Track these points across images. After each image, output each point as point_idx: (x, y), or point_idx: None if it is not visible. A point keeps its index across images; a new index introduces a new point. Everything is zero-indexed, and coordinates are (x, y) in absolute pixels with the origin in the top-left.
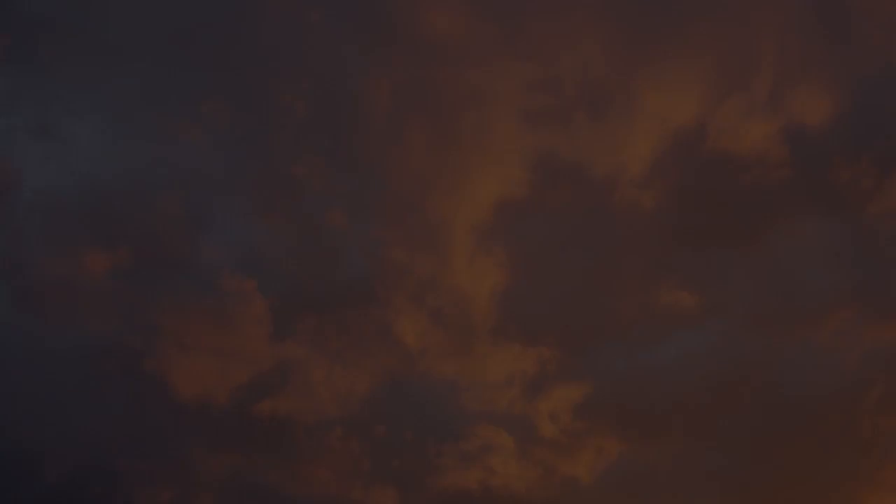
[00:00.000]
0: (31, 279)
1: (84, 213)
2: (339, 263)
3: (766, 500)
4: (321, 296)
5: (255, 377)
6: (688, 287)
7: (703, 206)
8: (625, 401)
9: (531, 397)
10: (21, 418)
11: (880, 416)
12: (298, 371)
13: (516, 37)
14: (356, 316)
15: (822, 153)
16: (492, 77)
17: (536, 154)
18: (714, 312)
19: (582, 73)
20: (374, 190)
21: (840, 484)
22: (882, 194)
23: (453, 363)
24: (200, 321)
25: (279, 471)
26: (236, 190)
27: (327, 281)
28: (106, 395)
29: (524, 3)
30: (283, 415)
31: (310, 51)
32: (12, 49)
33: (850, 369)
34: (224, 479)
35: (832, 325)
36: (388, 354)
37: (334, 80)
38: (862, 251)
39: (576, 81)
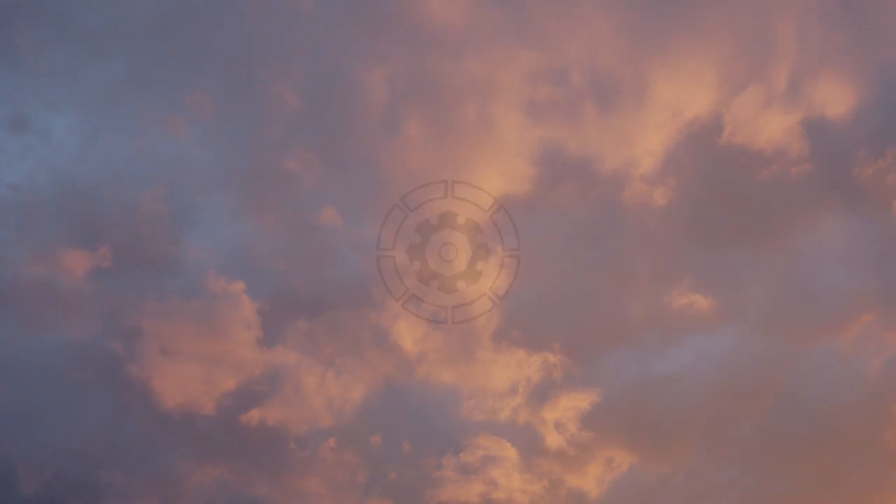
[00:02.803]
0: (5, 280)
1: (62, 211)
2: (333, 264)
3: None
4: (313, 298)
5: (243, 384)
6: (702, 289)
7: (718, 203)
8: (635, 410)
9: (536, 406)
10: None
11: None
12: (289, 378)
13: (520, 24)
14: (350, 319)
15: (843, 147)
16: (494, 66)
17: (542, 148)
18: (729, 316)
19: (590, 62)
20: (369, 186)
21: (863, 497)
22: None
23: (453, 370)
24: (185, 325)
25: (269, 483)
26: (223, 186)
27: (320, 282)
28: (85, 402)
29: None
30: (273, 424)
31: (301, 39)
32: None
33: (873, 376)
34: (211, 492)
35: (854, 330)
36: (385, 360)
37: (327, 70)
38: (886, 251)
39: (583, 71)
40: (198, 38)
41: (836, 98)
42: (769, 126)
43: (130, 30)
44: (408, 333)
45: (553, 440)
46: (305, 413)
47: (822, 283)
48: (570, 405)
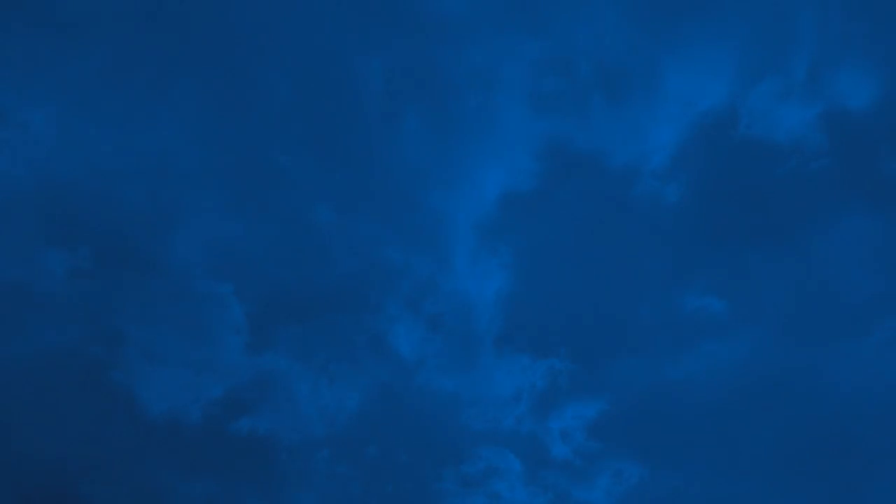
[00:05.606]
0: None
1: (40, 208)
2: (327, 264)
3: None
4: (306, 301)
5: (231, 392)
6: (716, 291)
7: (733, 199)
8: (646, 418)
9: (541, 415)
10: None
11: None
12: (280, 385)
13: (524, 11)
14: (345, 323)
15: (866, 141)
16: (497, 56)
17: (547, 142)
18: (745, 320)
19: (598, 51)
20: (365, 183)
21: None
22: None
23: (454, 376)
24: (170, 329)
25: (259, 496)
26: (211, 182)
27: (313, 284)
28: (65, 411)
29: None
30: (264, 434)
31: (293, 27)
32: None
33: None
34: None
35: (878, 334)
36: (381, 366)
37: (321, 60)
38: None
39: (591, 61)
40: (184, 27)
41: (858, 89)
42: (788, 119)
43: (113, 17)
44: (406, 338)
45: (559, 451)
46: (297, 422)
47: (843, 284)
48: (577, 414)
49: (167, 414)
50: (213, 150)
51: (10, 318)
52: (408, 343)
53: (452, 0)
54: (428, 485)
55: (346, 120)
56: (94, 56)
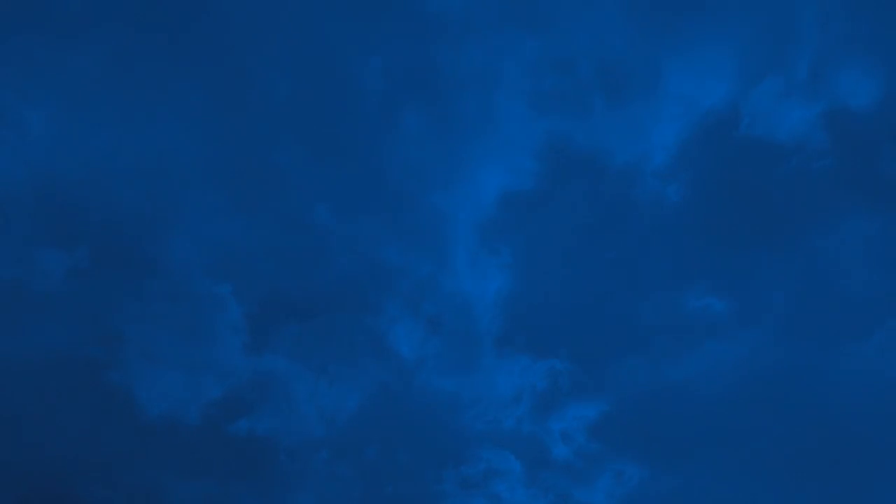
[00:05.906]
0: None
1: (37, 208)
2: (326, 265)
3: None
4: (305, 301)
5: (230, 393)
6: (718, 292)
7: (735, 199)
8: (647, 420)
9: (541, 416)
10: None
11: None
12: (279, 386)
13: (524, 10)
14: (344, 324)
15: (868, 141)
16: (497, 55)
17: (547, 142)
18: (747, 320)
19: (599, 50)
20: (364, 182)
21: None
22: None
23: (454, 377)
24: (169, 329)
25: (258, 498)
26: (209, 182)
27: (312, 284)
28: (62, 412)
29: None
30: (262, 435)
31: (292, 25)
32: None
33: None
34: None
35: (880, 335)
36: (381, 367)
37: (320, 59)
38: None
39: (592, 60)
40: (182, 26)
41: (860, 88)
42: (789, 118)
43: (111, 16)
44: (405, 339)
45: (560, 452)
46: (296, 423)
47: (845, 284)
48: (578, 415)
49: (166, 414)
50: (212, 150)
51: (8, 319)
52: (407, 343)
53: None
54: (428, 486)
55: (345, 119)
56: (92, 55)
